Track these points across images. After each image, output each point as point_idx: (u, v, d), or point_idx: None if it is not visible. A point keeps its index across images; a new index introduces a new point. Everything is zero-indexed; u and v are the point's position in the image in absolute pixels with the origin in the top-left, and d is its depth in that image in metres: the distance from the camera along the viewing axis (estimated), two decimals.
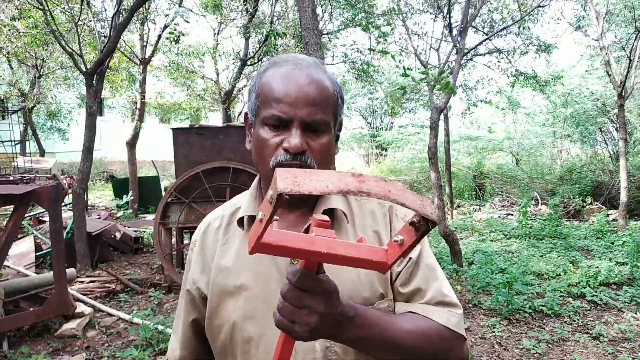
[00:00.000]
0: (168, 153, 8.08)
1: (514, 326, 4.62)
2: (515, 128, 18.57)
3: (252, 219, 1.06)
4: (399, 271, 1.04)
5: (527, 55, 11.09)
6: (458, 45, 6.45)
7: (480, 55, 11.10)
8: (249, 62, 12.09)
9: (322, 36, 9.28)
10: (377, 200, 1.11)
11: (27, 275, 5.15)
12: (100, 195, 15.51)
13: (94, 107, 6.64)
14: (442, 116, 8.48)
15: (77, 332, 4.31)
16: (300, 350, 0.97)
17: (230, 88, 12.62)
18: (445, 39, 8.69)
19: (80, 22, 7.86)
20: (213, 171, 5.63)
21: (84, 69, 6.59)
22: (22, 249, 6.04)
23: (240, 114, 14.36)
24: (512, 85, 12.33)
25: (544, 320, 4.75)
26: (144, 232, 8.79)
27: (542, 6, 9.00)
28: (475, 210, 12.91)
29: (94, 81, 6.65)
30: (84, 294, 5.22)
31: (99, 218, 8.55)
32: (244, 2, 10.95)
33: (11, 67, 14.73)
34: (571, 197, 12.15)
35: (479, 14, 8.65)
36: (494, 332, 4.45)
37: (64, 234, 5.75)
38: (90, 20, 8.77)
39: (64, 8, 8.36)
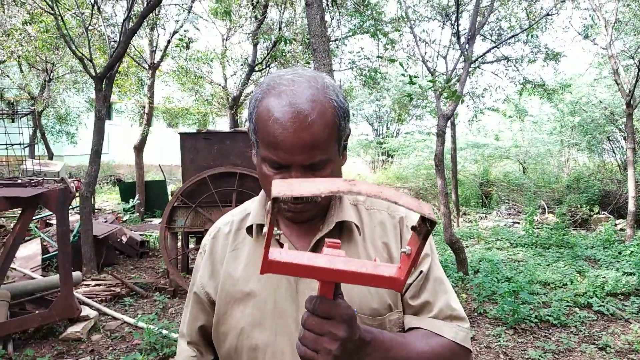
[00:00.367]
0: (175, 158, 8.12)
1: (519, 336, 4.58)
2: (523, 136, 18.48)
3: (260, 227, 1.07)
4: (410, 283, 1.05)
5: (535, 63, 11.07)
6: (466, 53, 6.45)
7: (488, 63, 11.10)
8: (256, 68, 12.14)
9: (330, 43, 9.31)
10: (387, 211, 1.11)
11: (33, 278, 5.17)
12: (107, 199, 15.59)
13: (103, 111, 6.70)
14: (449, 123, 8.47)
15: (82, 336, 4.33)
16: None
17: (237, 94, 12.67)
18: (453, 46, 8.71)
19: (90, 27, 7.95)
20: (220, 176, 5.66)
21: (94, 74, 6.65)
22: (29, 252, 6.08)
23: (246, 120, 14.38)
24: (519, 93, 12.30)
25: (550, 330, 4.71)
26: (150, 236, 8.81)
27: (551, 14, 8.99)
28: (481, 218, 12.85)
29: (103, 85, 6.71)
30: (89, 297, 5.24)
31: (105, 221, 8.58)
32: (252, 8, 11.02)
33: (22, 71, 14.87)
34: (578, 206, 12.07)
35: (487, 22, 8.66)
36: (499, 341, 4.42)
37: (71, 237, 5.78)
38: (101, 26, 8.85)
39: (74, 13, 8.45)
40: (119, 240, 7.58)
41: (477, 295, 5.49)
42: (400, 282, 0.78)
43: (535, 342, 4.43)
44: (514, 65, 11.05)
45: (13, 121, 15.16)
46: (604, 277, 6.08)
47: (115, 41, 7.98)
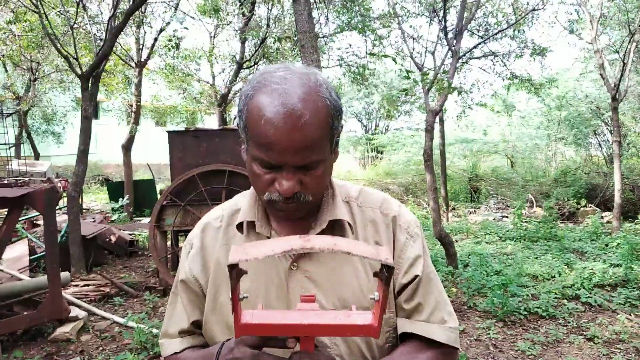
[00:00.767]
0: (164, 156, 8.06)
1: (509, 328, 4.63)
2: (510, 131, 18.64)
3: (251, 224, 1.06)
4: (404, 286, 1.06)
5: (522, 58, 11.14)
6: (453, 48, 6.48)
7: (475, 58, 11.14)
8: (245, 65, 12.10)
9: (318, 39, 9.30)
10: (379, 209, 1.11)
11: (20, 279, 5.12)
12: (95, 199, 15.46)
13: (90, 110, 6.63)
14: (437, 119, 8.50)
15: (71, 336, 4.29)
16: None
17: (226, 91, 12.62)
18: (440, 42, 8.73)
19: (76, 25, 7.85)
20: (209, 174, 5.63)
21: (80, 72, 6.58)
22: (16, 253, 6.00)
23: (236, 118, 14.31)
24: (507, 88, 12.38)
25: (539, 322, 4.76)
26: (139, 235, 8.76)
27: (537, 10, 9.05)
28: (470, 213, 12.94)
29: (89, 84, 6.64)
30: (78, 298, 5.19)
31: (93, 221, 8.52)
32: (240, 5, 10.97)
33: (6, 70, 14.67)
34: (566, 199, 12.20)
35: (474, 18, 8.69)
36: (489, 334, 4.46)
37: (59, 238, 5.73)
38: (86, 24, 8.76)
39: (59, 11, 8.34)
40: (107, 240, 7.52)
41: (467, 289, 5.53)
42: (375, 328, 0.80)
43: (525, 334, 4.48)
44: (501, 61, 11.11)
45: None
46: (592, 269, 6.16)
47: (101, 39, 7.90)
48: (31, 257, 6.16)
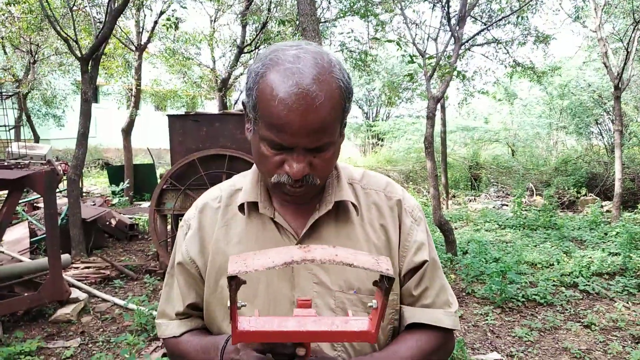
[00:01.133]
0: (164, 140, 8.04)
1: (506, 314, 4.66)
2: (512, 119, 18.59)
3: (253, 205, 1.05)
4: (413, 272, 1.07)
5: (525, 45, 11.07)
6: (456, 34, 6.43)
7: (478, 45, 11.06)
8: (245, 50, 12.02)
9: (320, 24, 9.21)
10: (384, 192, 1.11)
11: (21, 261, 5.14)
12: (96, 183, 15.47)
13: (89, 93, 6.59)
14: (439, 106, 8.46)
15: (72, 318, 4.33)
16: None
17: (226, 75, 12.55)
18: (443, 28, 8.65)
19: (75, 7, 7.78)
20: (209, 158, 5.62)
21: (79, 55, 6.53)
22: (17, 235, 6.02)
23: (236, 102, 14.28)
24: (509, 76, 12.31)
25: (537, 309, 4.79)
26: (139, 219, 8.77)
27: None
28: (470, 201, 12.96)
29: (89, 67, 6.59)
30: (78, 280, 5.22)
31: (94, 205, 8.53)
32: None
33: (5, 53, 14.58)
34: (566, 188, 12.20)
35: (477, 4, 8.61)
36: (487, 320, 4.49)
37: (59, 220, 5.74)
38: (86, 6, 8.68)
39: None
40: (108, 223, 7.54)
41: (466, 276, 5.56)
42: (372, 334, 0.80)
43: (522, 320, 4.50)
44: (504, 48, 11.03)
45: None
46: (590, 258, 6.18)
47: (100, 22, 7.83)
48: (32, 240, 6.17)
